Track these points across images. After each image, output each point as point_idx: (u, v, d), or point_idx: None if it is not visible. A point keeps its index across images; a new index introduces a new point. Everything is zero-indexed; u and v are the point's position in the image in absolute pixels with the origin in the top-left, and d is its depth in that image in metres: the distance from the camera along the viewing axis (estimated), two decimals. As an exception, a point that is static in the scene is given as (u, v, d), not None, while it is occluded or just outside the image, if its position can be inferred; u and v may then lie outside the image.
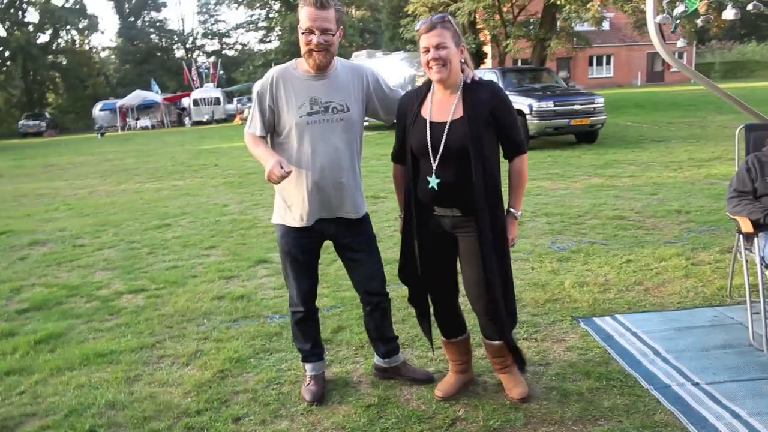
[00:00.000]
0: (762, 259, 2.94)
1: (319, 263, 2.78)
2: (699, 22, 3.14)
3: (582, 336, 3.20)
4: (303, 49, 2.44)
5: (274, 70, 2.55)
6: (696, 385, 2.61)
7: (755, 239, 3.01)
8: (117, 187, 10.52)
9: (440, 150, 2.37)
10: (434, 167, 2.38)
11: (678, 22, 2.96)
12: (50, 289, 4.67)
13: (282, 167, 2.35)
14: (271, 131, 2.58)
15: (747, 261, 3.11)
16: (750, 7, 3.03)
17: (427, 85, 2.49)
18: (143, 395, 2.87)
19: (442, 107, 2.41)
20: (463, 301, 2.70)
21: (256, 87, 2.54)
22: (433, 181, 2.39)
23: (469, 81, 2.42)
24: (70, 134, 36.73)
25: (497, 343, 2.58)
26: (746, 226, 3.01)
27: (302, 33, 2.41)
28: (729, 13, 2.92)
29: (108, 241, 6.22)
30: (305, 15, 2.38)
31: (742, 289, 3.24)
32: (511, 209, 2.52)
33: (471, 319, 2.80)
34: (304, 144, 2.47)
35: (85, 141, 27.22)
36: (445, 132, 2.36)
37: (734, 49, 44.86)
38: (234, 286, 4.47)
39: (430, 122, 2.41)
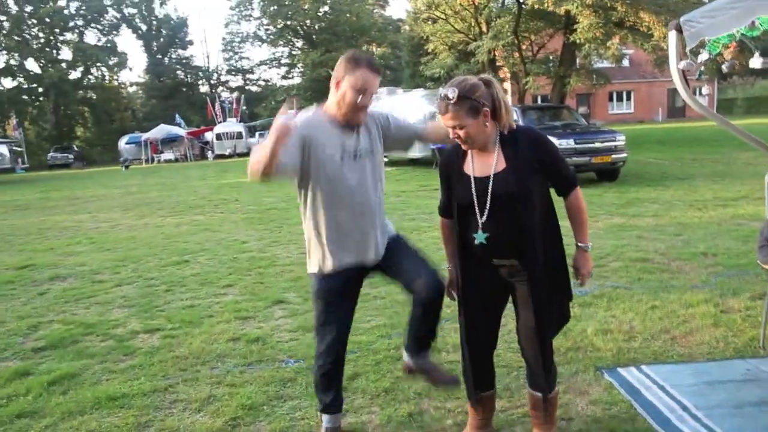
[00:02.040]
0: (796, 311, 2.81)
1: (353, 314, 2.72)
2: (724, 68, 3.10)
3: (606, 388, 3.07)
4: (348, 106, 2.50)
5: (302, 125, 2.49)
6: (729, 446, 2.47)
7: (788, 290, 2.89)
8: (138, 221, 10.64)
9: (487, 204, 2.36)
10: (481, 223, 2.37)
11: (703, 68, 2.91)
12: (67, 326, 4.67)
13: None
14: (299, 175, 2.54)
15: (780, 312, 2.98)
16: (775, 52, 2.97)
17: None
18: (153, 443, 2.81)
19: (483, 162, 2.41)
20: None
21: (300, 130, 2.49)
22: (480, 237, 2.38)
23: (506, 132, 2.39)
24: (96, 166, 37.60)
25: (540, 395, 2.51)
26: (778, 277, 2.90)
27: (356, 91, 2.48)
28: (756, 62, 2.86)
29: (126, 278, 6.24)
30: (363, 78, 2.46)
31: (775, 341, 3.10)
32: (579, 244, 2.49)
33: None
34: (340, 188, 2.52)
35: (110, 173, 27.81)
36: (490, 185, 2.35)
37: (756, 84, 44.54)
38: (250, 327, 4.42)
39: (474, 178, 2.40)
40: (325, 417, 2.75)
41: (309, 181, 2.55)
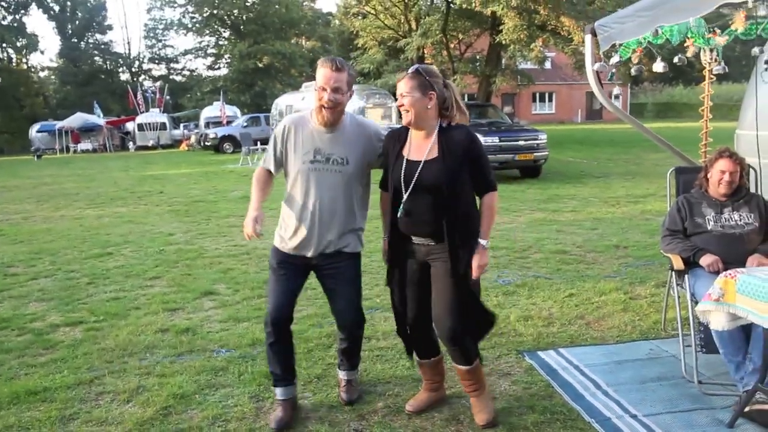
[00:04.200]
0: (692, 295, 3.11)
1: (300, 291, 2.88)
2: (633, 71, 3.37)
3: (527, 370, 3.28)
4: (316, 104, 2.67)
5: (290, 118, 2.82)
6: (634, 417, 2.71)
7: (686, 276, 3.18)
8: (55, 213, 10.11)
9: (411, 184, 2.57)
10: (404, 199, 2.58)
11: (614, 71, 3.16)
12: (-22, 321, 4.42)
13: (257, 225, 2.62)
14: (280, 171, 2.83)
15: (679, 296, 3.28)
16: (676, 60, 3.28)
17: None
18: (80, 435, 2.75)
19: (419, 147, 2.63)
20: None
21: (276, 129, 2.83)
22: (401, 211, 2.59)
23: (444, 125, 2.63)
24: (3, 155, 35.14)
25: (463, 367, 2.73)
26: (678, 264, 3.19)
27: (316, 89, 2.64)
28: (659, 66, 3.16)
29: (44, 270, 5.96)
30: (321, 74, 2.62)
31: (675, 323, 3.40)
32: (480, 240, 2.66)
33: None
34: (303, 187, 2.71)
35: (21, 163, 26.09)
36: (419, 169, 2.56)
37: (664, 91, 47.57)
38: (179, 318, 4.36)
39: (407, 160, 2.62)
40: (277, 390, 2.86)
41: (286, 175, 2.80)
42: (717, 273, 2.99)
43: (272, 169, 2.81)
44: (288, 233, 2.77)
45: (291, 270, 2.80)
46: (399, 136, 2.71)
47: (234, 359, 3.53)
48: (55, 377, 3.37)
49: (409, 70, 2.61)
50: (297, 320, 4.14)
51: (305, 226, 2.72)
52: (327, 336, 3.81)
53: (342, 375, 3.05)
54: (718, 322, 2.65)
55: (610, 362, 3.31)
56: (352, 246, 2.83)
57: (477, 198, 2.69)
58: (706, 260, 3.10)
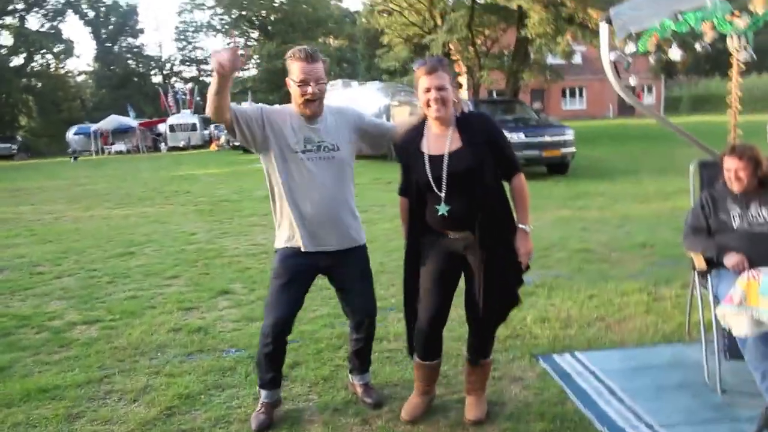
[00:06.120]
0: (715, 297, 2.94)
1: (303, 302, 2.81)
2: (651, 60, 3.22)
3: (540, 374, 3.16)
4: (299, 100, 2.60)
5: (277, 106, 2.75)
6: (650, 427, 2.57)
7: (708, 276, 3.02)
8: (84, 213, 10.32)
9: (444, 180, 2.46)
10: (443, 196, 2.49)
11: (630, 60, 3.03)
12: None
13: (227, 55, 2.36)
14: (255, 146, 2.64)
15: (702, 298, 3.12)
16: (697, 47, 3.12)
17: (422, 122, 2.63)
18: (83, 436, 2.75)
19: (439, 141, 2.55)
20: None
21: (263, 105, 2.72)
22: (443, 209, 2.50)
23: (459, 114, 2.57)
24: (43, 158, 36.18)
25: (482, 361, 2.73)
26: (700, 264, 3.03)
27: (298, 85, 2.56)
28: (675, 54, 3.01)
29: (68, 269, 6.05)
30: (298, 69, 2.55)
31: (700, 326, 3.23)
32: (521, 225, 2.63)
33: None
34: (298, 178, 2.63)
35: (58, 165, 26.83)
36: (445, 163, 2.48)
37: (700, 83, 46.17)
38: (192, 317, 4.36)
39: (429, 156, 2.53)
40: (263, 392, 2.81)
41: (273, 165, 2.65)
42: (742, 273, 2.82)
43: (238, 112, 2.56)
44: (293, 233, 2.68)
45: (301, 278, 2.73)
46: (414, 135, 2.62)
47: (242, 359, 3.50)
48: (66, 375, 3.40)
49: (434, 61, 2.49)
50: (309, 320, 4.12)
51: (309, 222, 2.65)
52: (338, 337, 3.75)
53: (357, 380, 2.99)
54: (741, 328, 2.50)
55: (628, 367, 3.16)
56: (361, 236, 2.81)
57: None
58: (730, 260, 2.92)
